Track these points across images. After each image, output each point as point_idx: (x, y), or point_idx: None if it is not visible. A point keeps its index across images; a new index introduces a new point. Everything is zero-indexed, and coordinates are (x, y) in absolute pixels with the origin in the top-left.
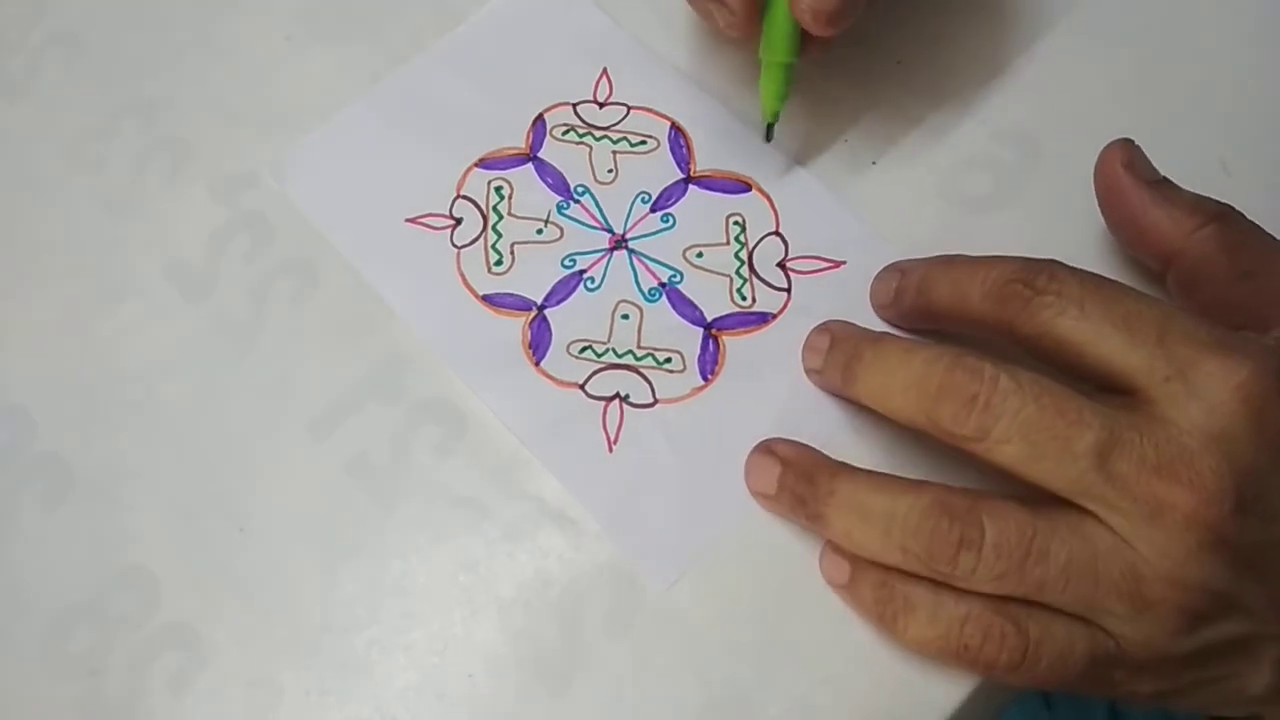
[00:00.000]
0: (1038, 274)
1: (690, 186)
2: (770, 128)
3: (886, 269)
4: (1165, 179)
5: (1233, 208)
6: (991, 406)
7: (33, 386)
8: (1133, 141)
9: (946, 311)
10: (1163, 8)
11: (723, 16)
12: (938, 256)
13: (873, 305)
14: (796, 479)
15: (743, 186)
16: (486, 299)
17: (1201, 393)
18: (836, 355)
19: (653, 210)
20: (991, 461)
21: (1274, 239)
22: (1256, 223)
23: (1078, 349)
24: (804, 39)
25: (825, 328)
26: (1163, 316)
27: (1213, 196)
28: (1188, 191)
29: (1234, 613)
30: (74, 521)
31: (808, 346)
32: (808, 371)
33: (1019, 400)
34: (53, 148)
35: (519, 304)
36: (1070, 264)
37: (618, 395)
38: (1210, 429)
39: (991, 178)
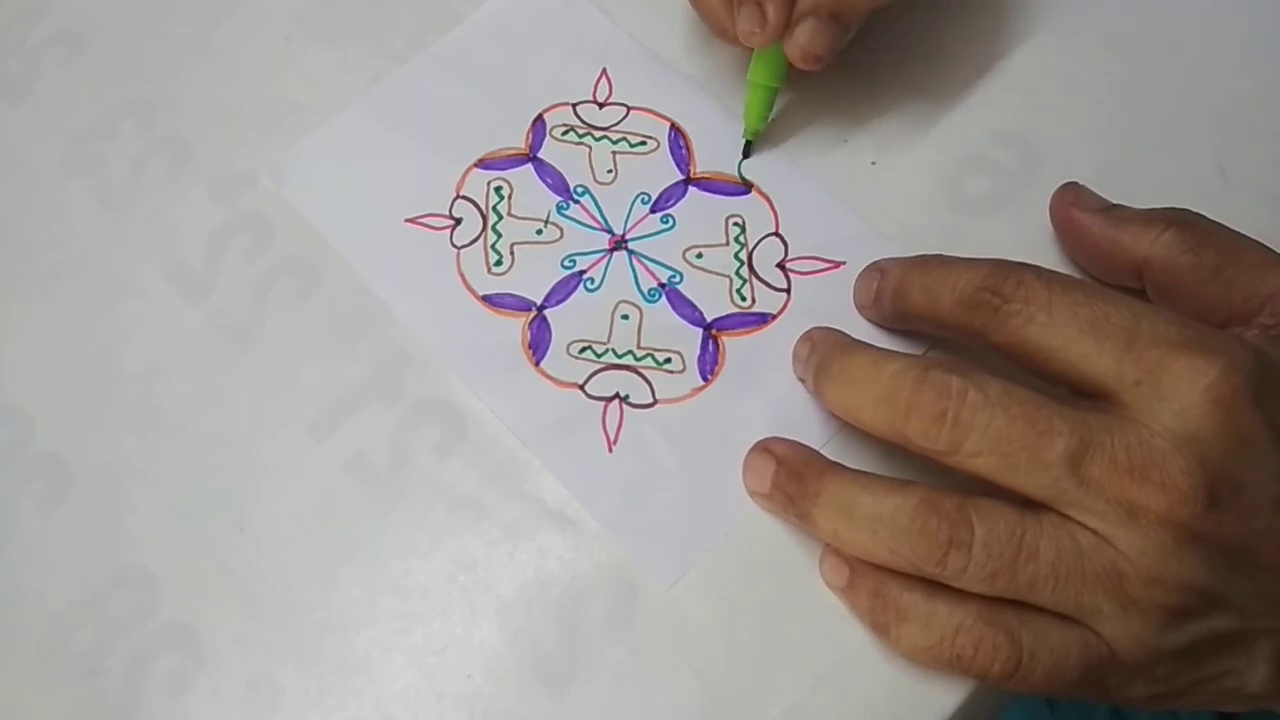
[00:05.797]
0: (1005, 280)
1: (690, 187)
2: (749, 145)
3: (868, 268)
4: (1114, 204)
5: (1188, 210)
6: (961, 421)
7: (33, 386)
8: (1075, 182)
9: (921, 316)
10: (1162, 11)
11: (752, 20)
12: (915, 257)
13: (855, 305)
14: (787, 477)
15: (742, 188)
16: (486, 299)
17: (1170, 395)
18: (811, 366)
19: (652, 211)
20: (966, 472)
21: (1237, 233)
22: (1220, 222)
23: (1047, 355)
24: (790, 66)
25: (808, 336)
26: (1132, 318)
27: (1212, 203)
28: (1138, 209)
29: (1219, 608)
30: (74, 521)
31: (794, 356)
32: (799, 379)
33: (988, 413)
34: (53, 148)
35: (519, 304)
36: (1047, 267)
37: (617, 395)
38: (1181, 430)
39: (991, 179)
